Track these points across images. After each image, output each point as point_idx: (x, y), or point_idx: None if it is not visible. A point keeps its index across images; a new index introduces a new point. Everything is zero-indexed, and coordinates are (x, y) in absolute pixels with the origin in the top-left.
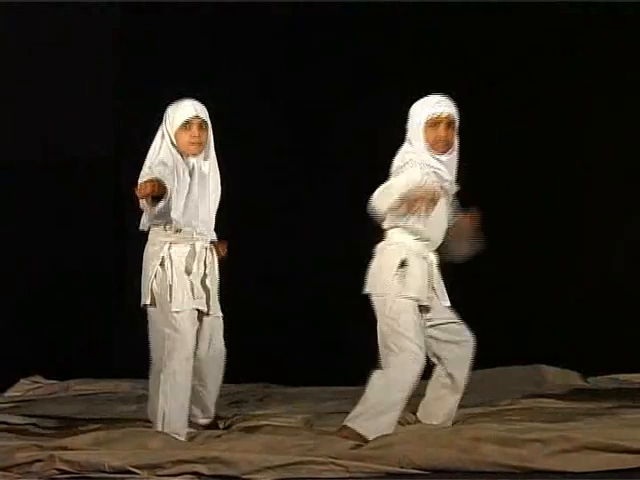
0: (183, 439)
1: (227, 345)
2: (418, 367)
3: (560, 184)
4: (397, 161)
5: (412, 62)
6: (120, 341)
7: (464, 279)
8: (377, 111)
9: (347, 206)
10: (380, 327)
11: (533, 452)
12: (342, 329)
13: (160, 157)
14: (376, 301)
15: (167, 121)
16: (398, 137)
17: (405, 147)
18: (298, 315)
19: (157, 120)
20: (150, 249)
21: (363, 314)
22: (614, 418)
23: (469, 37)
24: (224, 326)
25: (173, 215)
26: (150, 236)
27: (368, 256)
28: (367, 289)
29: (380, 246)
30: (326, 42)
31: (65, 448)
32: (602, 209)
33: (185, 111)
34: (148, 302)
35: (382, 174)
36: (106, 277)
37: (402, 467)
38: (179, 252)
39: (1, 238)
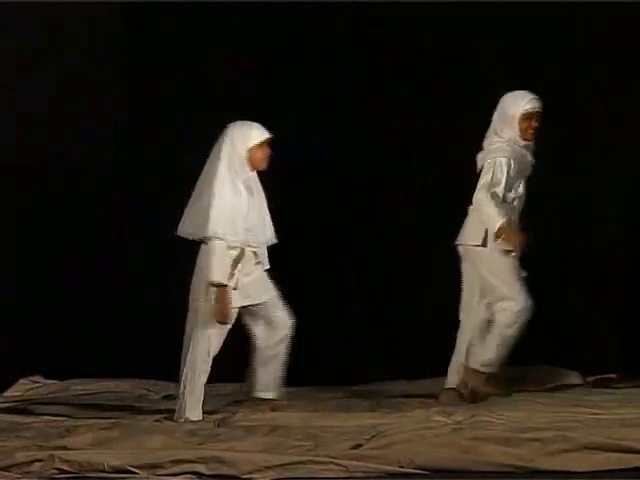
0: None
1: (229, 345)
2: None
3: None
4: (486, 146)
5: None
6: (120, 341)
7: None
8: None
9: None
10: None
11: (533, 452)
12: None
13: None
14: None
15: (237, 141)
16: None
17: (491, 135)
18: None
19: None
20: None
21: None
22: (614, 418)
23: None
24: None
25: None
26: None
27: None
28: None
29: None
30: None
31: (65, 448)
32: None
33: (260, 132)
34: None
35: None
36: (106, 277)
37: (402, 467)
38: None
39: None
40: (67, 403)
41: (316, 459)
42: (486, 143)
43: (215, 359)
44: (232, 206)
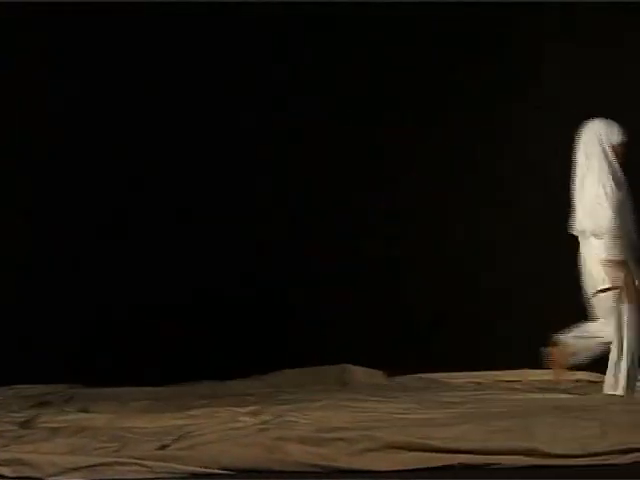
0: None
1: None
2: None
3: None
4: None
5: None
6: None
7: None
8: None
9: None
10: None
11: (337, 451)
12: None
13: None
14: None
15: (608, 138)
16: None
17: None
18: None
19: None
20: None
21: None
22: (418, 417)
23: None
24: None
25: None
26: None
27: None
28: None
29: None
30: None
31: None
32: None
33: (620, 130)
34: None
35: None
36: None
37: (206, 467)
38: None
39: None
40: None
41: (121, 460)
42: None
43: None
44: (619, 201)
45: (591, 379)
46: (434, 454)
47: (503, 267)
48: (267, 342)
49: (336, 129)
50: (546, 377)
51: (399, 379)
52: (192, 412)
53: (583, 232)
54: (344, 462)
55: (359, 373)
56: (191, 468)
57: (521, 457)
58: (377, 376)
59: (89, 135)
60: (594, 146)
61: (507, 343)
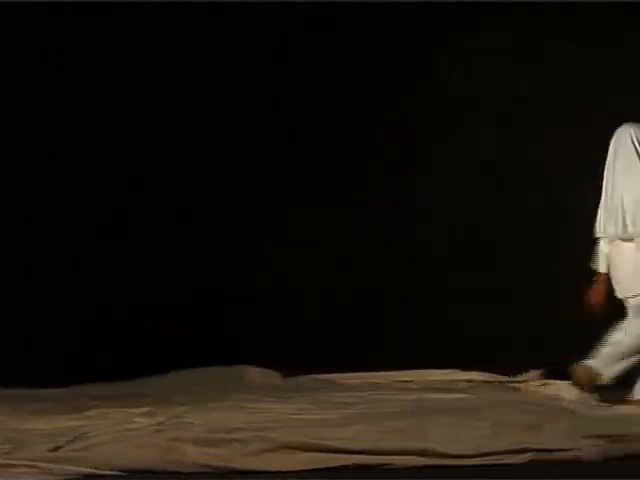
0: None
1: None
2: None
3: None
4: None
5: None
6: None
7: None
8: None
9: None
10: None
11: (232, 452)
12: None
13: None
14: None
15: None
16: None
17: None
18: None
19: None
20: None
21: None
22: (313, 418)
23: None
24: None
25: None
26: None
27: None
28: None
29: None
30: None
31: None
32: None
33: None
34: None
35: None
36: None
37: (100, 469)
38: None
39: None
40: None
41: (13, 462)
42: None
43: None
44: None
45: (485, 379)
46: (329, 454)
47: (503, 267)
48: (267, 341)
49: (336, 129)
50: (444, 377)
51: (294, 379)
52: (87, 413)
53: (613, 234)
54: (239, 463)
55: (255, 373)
56: (85, 469)
57: (415, 457)
58: (273, 377)
59: (89, 135)
60: (627, 149)
61: (507, 343)
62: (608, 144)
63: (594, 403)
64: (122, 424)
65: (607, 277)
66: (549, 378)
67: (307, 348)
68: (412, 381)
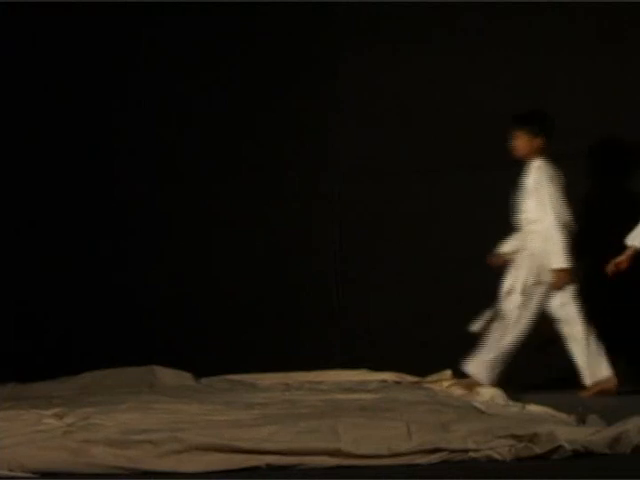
0: None
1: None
2: None
3: None
4: None
5: None
6: None
7: None
8: None
9: None
10: None
11: (144, 453)
12: None
13: None
14: None
15: None
16: None
17: None
18: None
19: None
20: None
21: None
22: (226, 419)
23: None
24: None
25: None
26: None
27: None
28: None
29: None
30: None
31: None
32: None
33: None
34: None
35: None
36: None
37: (10, 470)
38: None
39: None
40: None
41: None
42: None
43: None
44: None
45: (396, 379)
46: (241, 455)
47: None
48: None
49: (335, 129)
50: (355, 377)
51: (206, 380)
52: None
53: None
54: (150, 464)
55: (167, 374)
56: None
57: (326, 457)
58: (184, 377)
59: (89, 135)
60: None
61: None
62: None
63: (504, 402)
64: (32, 426)
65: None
66: (460, 378)
67: (220, 349)
68: (322, 382)
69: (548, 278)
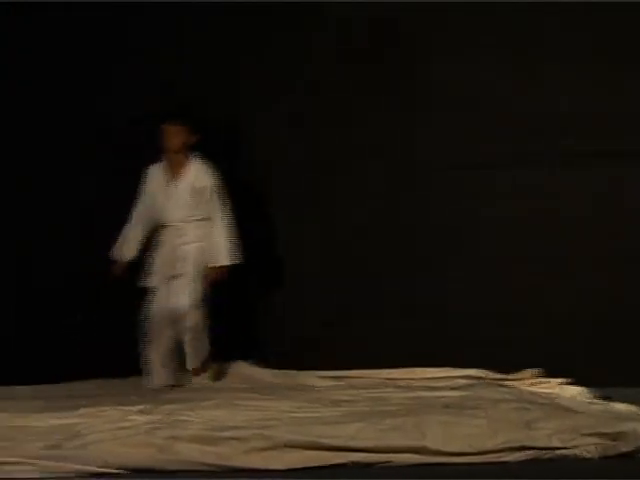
0: None
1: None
2: None
3: None
4: None
5: None
6: None
7: None
8: None
9: None
10: None
11: (231, 450)
12: None
13: None
14: None
15: None
16: None
17: None
18: None
19: None
20: None
21: None
22: (312, 416)
23: None
24: None
25: None
26: None
27: None
28: None
29: None
30: None
31: None
32: None
33: None
34: None
35: None
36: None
37: (96, 467)
38: None
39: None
40: None
41: (9, 460)
42: None
43: None
44: None
45: (481, 375)
46: (327, 453)
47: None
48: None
49: (335, 129)
50: (439, 374)
51: (292, 375)
52: (81, 411)
53: None
54: (239, 461)
55: (255, 371)
56: (80, 467)
57: (412, 455)
58: (265, 374)
59: (89, 135)
60: None
61: (507, 343)
62: None
63: (589, 400)
64: (116, 422)
65: None
66: (545, 377)
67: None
68: (409, 379)
69: None
